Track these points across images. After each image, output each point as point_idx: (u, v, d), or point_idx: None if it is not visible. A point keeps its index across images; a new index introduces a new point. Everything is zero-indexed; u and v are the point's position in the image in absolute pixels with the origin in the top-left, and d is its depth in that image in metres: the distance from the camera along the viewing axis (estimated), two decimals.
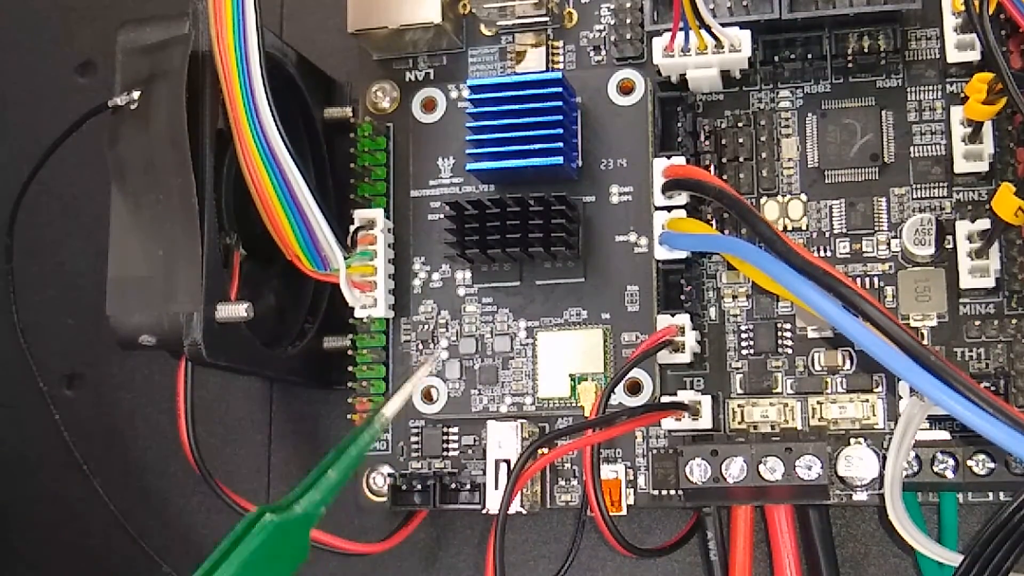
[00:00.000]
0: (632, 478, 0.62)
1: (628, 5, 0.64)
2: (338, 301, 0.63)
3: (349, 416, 0.64)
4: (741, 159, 0.62)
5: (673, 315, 0.60)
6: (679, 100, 0.62)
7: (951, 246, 0.59)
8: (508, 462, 0.61)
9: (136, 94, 0.57)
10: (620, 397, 0.61)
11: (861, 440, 0.59)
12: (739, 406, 0.61)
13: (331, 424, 0.68)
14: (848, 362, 0.60)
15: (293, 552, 0.50)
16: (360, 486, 0.65)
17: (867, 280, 0.60)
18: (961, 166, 0.58)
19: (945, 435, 0.57)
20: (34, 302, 0.74)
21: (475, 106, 0.63)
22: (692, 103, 0.63)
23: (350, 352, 0.65)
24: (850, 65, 0.61)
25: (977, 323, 0.59)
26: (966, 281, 0.58)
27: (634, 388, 0.62)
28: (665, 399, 0.61)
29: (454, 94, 0.66)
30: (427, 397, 0.64)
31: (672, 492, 0.61)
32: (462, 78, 0.66)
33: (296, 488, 0.50)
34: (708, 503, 0.61)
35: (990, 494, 0.58)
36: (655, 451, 0.62)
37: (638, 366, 0.60)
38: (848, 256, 0.61)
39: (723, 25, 0.59)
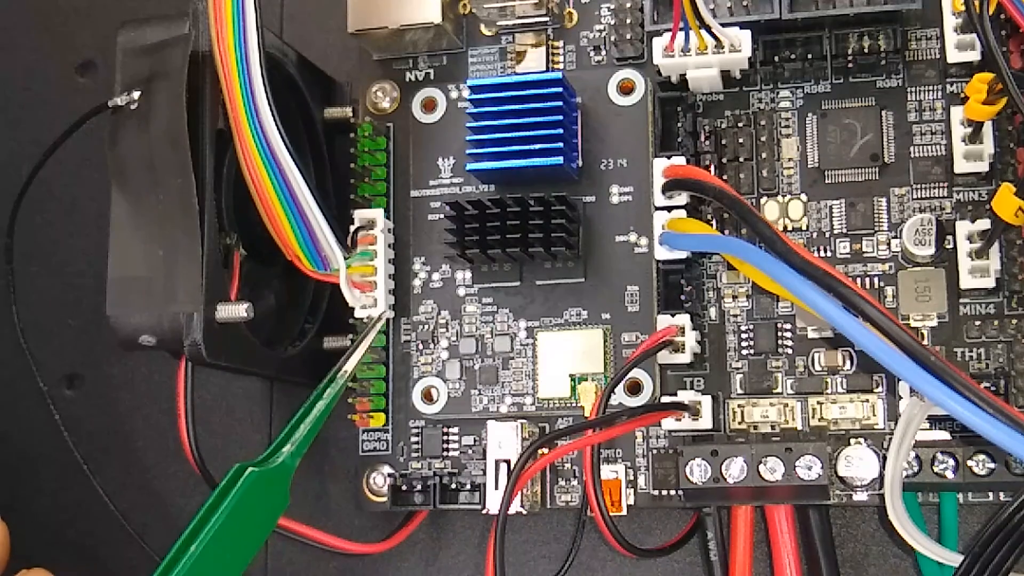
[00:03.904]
0: (632, 478, 0.62)
1: (628, 5, 0.64)
2: (338, 301, 0.63)
3: (349, 416, 0.65)
4: (741, 159, 0.62)
5: (673, 315, 0.60)
6: (679, 100, 0.62)
7: (951, 246, 0.59)
8: (508, 462, 0.61)
9: (136, 94, 0.57)
10: (620, 397, 0.61)
11: (861, 440, 0.59)
12: (739, 406, 0.61)
13: (331, 424, 0.68)
14: (848, 362, 0.60)
15: (274, 501, 0.55)
16: (360, 486, 0.65)
17: (867, 280, 0.60)
18: (961, 166, 0.58)
19: (945, 435, 0.57)
20: (34, 302, 0.74)
21: (475, 106, 0.63)
22: (692, 103, 0.63)
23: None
24: (850, 65, 0.61)
25: (977, 323, 0.59)
26: (966, 281, 0.58)
27: (634, 388, 0.62)
28: (665, 399, 0.61)
29: (454, 94, 0.66)
30: (427, 397, 0.64)
31: (672, 492, 0.61)
32: (462, 78, 0.66)
33: (271, 444, 0.55)
34: (708, 503, 0.61)
35: (990, 494, 0.58)
36: (655, 451, 0.62)
37: (638, 366, 0.60)
38: (848, 256, 0.61)
39: (723, 25, 0.59)
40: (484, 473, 0.62)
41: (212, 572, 0.52)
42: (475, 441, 0.64)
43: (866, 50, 0.60)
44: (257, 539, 0.55)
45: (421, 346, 0.65)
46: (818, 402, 0.60)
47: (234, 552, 0.53)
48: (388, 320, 0.65)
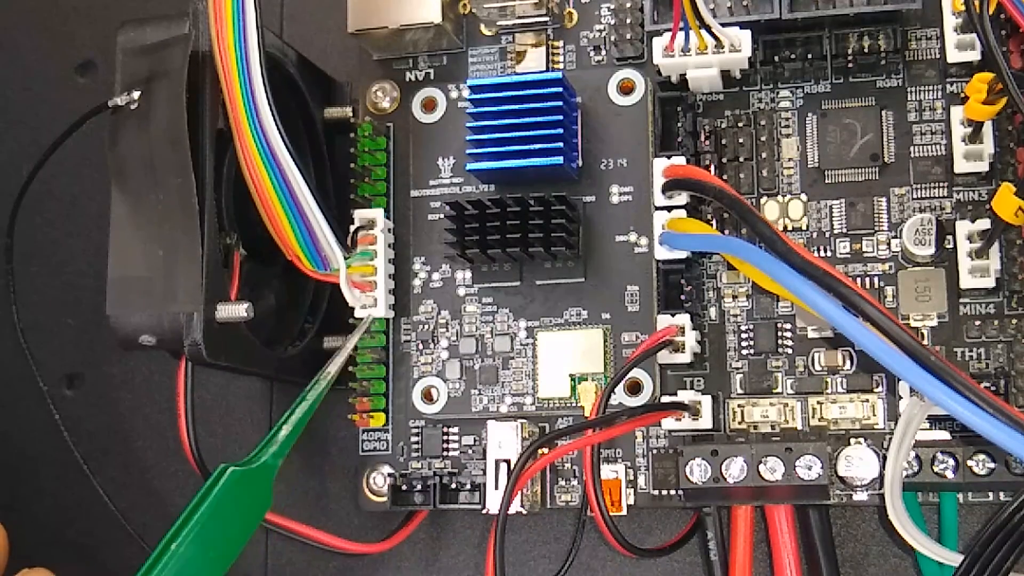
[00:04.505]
0: (632, 478, 0.62)
1: (628, 5, 0.64)
2: (338, 301, 0.63)
3: (349, 416, 0.65)
4: (741, 159, 0.62)
5: (673, 315, 0.60)
6: (679, 100, 0.62)
7: (951, 246, 0.59)
8: (508, 462, 0.61)
9: (136, 94, 0.57)
10: (620, 397, 0.61)
11: (861, 440, 0.59)
12: (739, 406, 0.61)
13: (331, 424, 0.68)
14: (848, 362, 0.60)
15: (257, 501, 0.56)
16: (360, 486, 0.65)
17: (867, 280, 0.60)
18: (961, 166, 0.58)
19: (945, 435, 0.57)
20: (34, 302, 0.74)
21: (475, 106, 0.63)
22: (692, 103, 0.63)
23: (350, 352, 0.65)
24: (850, 65, 0.61)
25: (977, 323, 0.59)
26: (966, 281, 0.58)
27: (634, 388, 0.62)
28: (665, 399, 0.61)
29: (454, 94, 0.66)
30: (427, 397, 0.64)
31: (672, 492, 0.61)
32: (462, 78, 0.66)
33: (257, 445, 0.56)
34: (708, 503, 0.61)
35: (990, 494, 0.58)
36: (655, 451, 0.62)
37: (638, 366, 0.60)
38: (848, 256, 0.61)
39: (723, 25, 0.59)
40: (484, 473, 0.62)
41: (195, 569, 0.52)
42: (475, 441, 0.64)
43: (866, 50, 0.60)
44: (240, 538, 0.55)
45: (421, 346, 0.65)
46: (818, 402, 0.60)
47: (217, 550, 0.53)
48: (388, 320, 0.65)
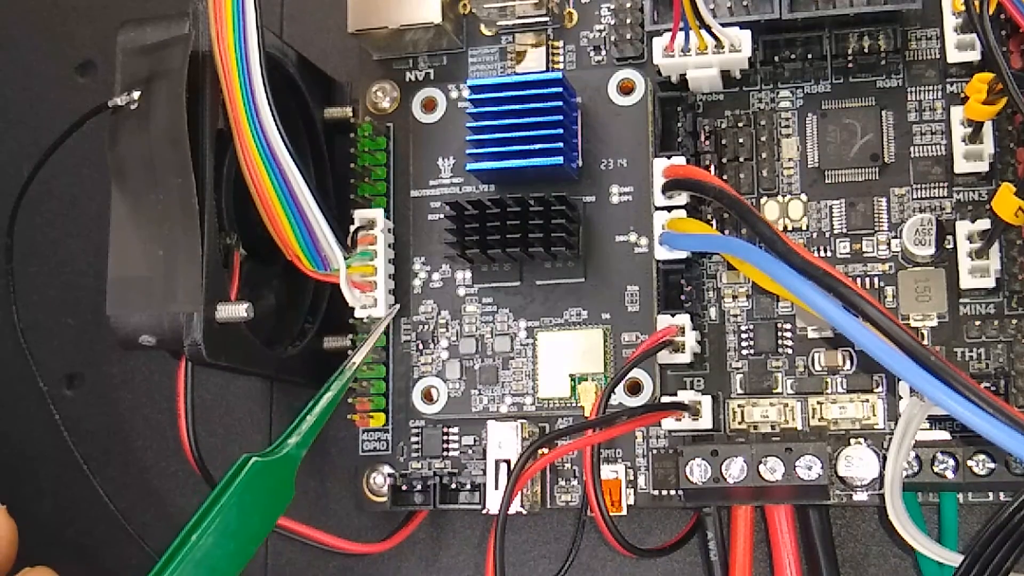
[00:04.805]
0: (632, 478, 0.62)
1: (628, 5, 0.64)
2: (338, 301, 0.63)
3: (349, 416, 0.65)
4: (741, 159, 0.62)
5: (673, 315, 0.60)
6: (679, 100, 0.62)
7: (951, 246, 0.59)
8: (508, 462, 0.61)
9: (136, 94, 0.57)
10: (620, 397, 0.61)
11: (861, 440, 0.59)
12: (739, 406, 0.61)
13: (331, 424, 0.68)
14: (848, 362, 0.60)
15: (279, 492, 0.55)
16: (360, 486, 0.65)
17: (867, 280, 0.60)
18: (961, 166, 0.58)
19: (945, 435, 0.57)
20: (34, 302, 0.74)
21: (475, 106, 0.63)
22: (692, 103, 0.63)
23: (350, 352, 0.65)
24: (850, 65, 0.61)
25: (977, 323, 0.59)
26: (966, 281, 0.58)
27: (634, 388, 0.62)
28: (665, 399, 0.61)
29: (454, 94, 0.66)
30: (427, 397, 0.64)
31: (672, 492, 0.61)
32: (462, 78, 0.66)
33: (279, 437, 0.56)
34: (708, 503, 0.61)
35: (990, 494, 0.58)
36: (655, 451, 0.62)
37: (638, 366, 0.60)
38: (848, 256, 0.61)
39: (723, 25, 0.59)
40: (484, 473, 0.62)
41: (216, 561, 0.52)
42: (475, 441, 0.64)
43: (866, 50, 0.60)
44: (261, 530, 0.55)
45: (421, 346, 0.65)
46: (818, 402, 0.60)
47: (238, 542, 0.53)
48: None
